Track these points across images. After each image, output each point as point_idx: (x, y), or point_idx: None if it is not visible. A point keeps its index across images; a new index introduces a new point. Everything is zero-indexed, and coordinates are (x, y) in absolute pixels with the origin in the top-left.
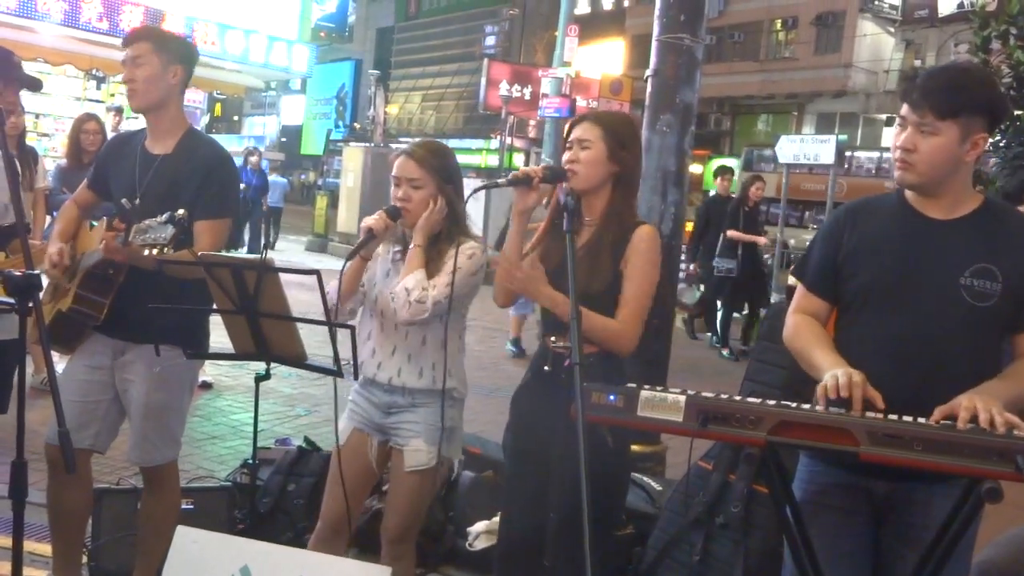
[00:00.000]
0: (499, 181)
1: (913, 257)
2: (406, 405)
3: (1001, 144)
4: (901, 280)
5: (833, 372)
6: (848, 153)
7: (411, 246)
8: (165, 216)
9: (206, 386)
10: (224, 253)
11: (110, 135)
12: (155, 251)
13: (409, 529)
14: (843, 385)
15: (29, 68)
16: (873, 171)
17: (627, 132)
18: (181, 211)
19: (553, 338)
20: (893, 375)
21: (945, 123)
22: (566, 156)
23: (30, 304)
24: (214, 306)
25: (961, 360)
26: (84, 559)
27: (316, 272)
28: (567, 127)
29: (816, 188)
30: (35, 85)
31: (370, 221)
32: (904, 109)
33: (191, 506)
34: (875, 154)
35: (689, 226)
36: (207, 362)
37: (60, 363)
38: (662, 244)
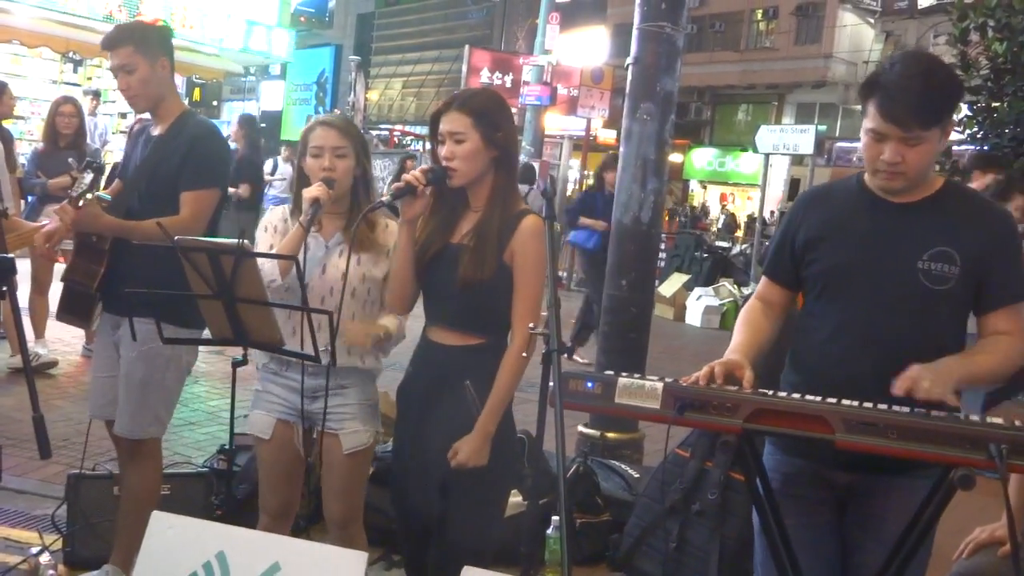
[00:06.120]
0: (383, 200)
1: (872, 242)
2: (333, 387)
3: (979, 136)
4: (860, 265)
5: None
6: None
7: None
8: (85, 163)
9: None
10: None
11: (87, 119)
12: (83, 200)
13: (355, 511)
14: (703, 375)
15: (4, 50)
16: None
17: (496, 110)
18: (103, 162)
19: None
20: (854, 359)
21: (931, 130)
22: (442, 151)
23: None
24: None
25: (921, 344)
26: (59, 545)
27: (294, 258)
28: (432, 117)
29: None
30: None
31: (315, 191)
32: (880, 124)
33: (168, 492)
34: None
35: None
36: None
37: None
38: (641, 232)
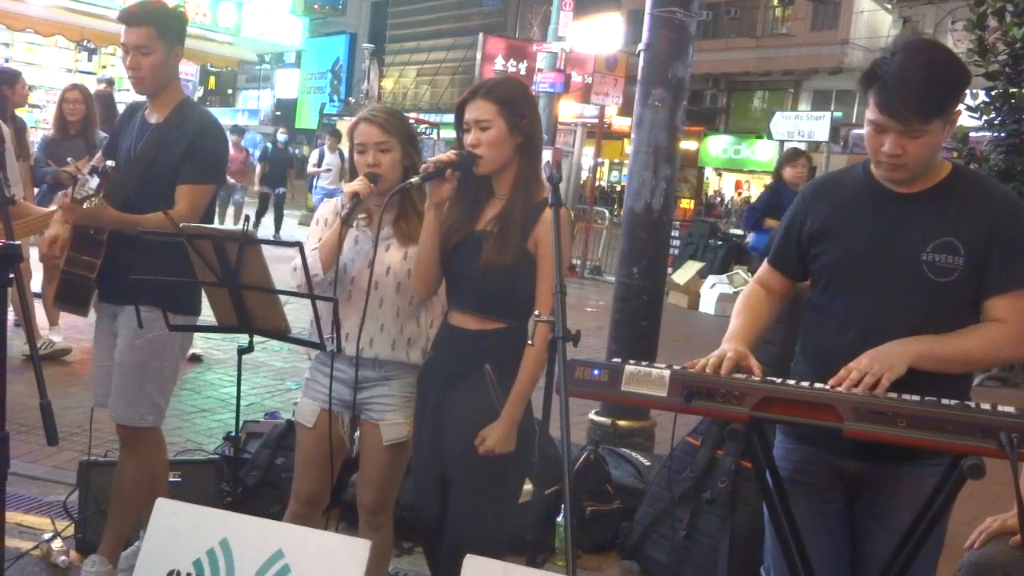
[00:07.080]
0: (412, 181)
1: (877, 234)
2: (377, 379)
3: (996, 122)
4: (866, 257)
5: (720, 349)
6: None
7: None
8: (90, 168)
9: (195, 359)
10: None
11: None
12: (88, 203)
13: (387, 500)
14: (710, 367)
15: (19, 39)
16: None
17: (521, 97)
18: (110, 163)
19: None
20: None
21: (931, 123)
22: (467, 139)
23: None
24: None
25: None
26: (71, 531)
27: (299, 244)
28: (458, 105)
29: None
30: None
31: (356, 186)
32: (879, 117)
33: (179, 479)
34: None
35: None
36: (197, 335)
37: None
38: (652, 219)
